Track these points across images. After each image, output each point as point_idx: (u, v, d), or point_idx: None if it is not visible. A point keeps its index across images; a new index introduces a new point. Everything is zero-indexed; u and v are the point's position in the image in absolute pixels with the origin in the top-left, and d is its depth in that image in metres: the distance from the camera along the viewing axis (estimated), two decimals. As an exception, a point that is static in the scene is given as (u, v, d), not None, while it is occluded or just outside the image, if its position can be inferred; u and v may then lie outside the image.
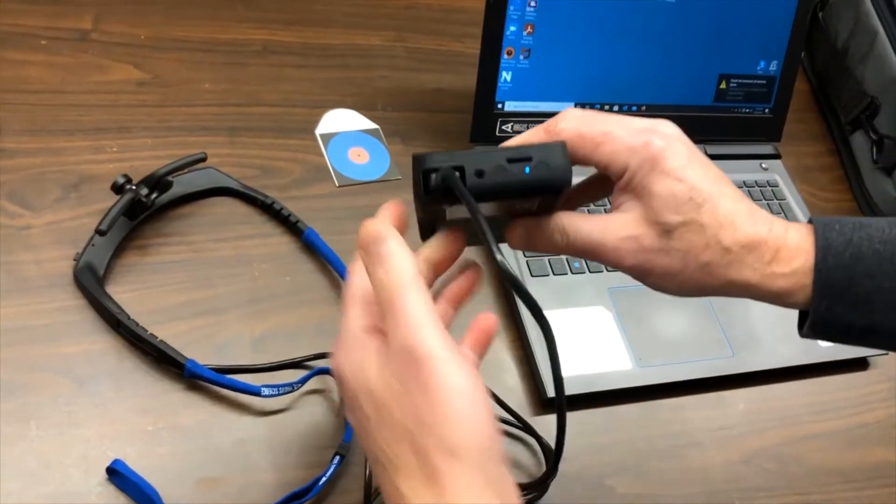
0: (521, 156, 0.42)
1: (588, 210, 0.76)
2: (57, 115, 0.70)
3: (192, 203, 0.69)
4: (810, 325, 0.44)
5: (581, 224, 0.45)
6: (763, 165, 0.87)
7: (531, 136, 0.45)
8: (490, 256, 0.40)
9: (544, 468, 0.62)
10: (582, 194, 0.49)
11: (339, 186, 0.74)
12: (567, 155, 0.43)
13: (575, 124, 0.44)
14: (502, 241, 0.47)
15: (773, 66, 0.83)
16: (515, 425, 0.63)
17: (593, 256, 0.45)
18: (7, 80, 0.71)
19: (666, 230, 0.43)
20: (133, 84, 0.75)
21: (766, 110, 0.85)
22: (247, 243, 0.68)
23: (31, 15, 0.76)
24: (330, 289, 0.67)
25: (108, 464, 0.54)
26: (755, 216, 0.44)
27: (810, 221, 0.45)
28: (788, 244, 0.43)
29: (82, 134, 0.70)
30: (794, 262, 0.43)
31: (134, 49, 0.77)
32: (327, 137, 0.77)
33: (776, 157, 0.88)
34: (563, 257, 0.73)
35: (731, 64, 0.82)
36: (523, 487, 0.59)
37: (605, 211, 0.48)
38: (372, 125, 0.79)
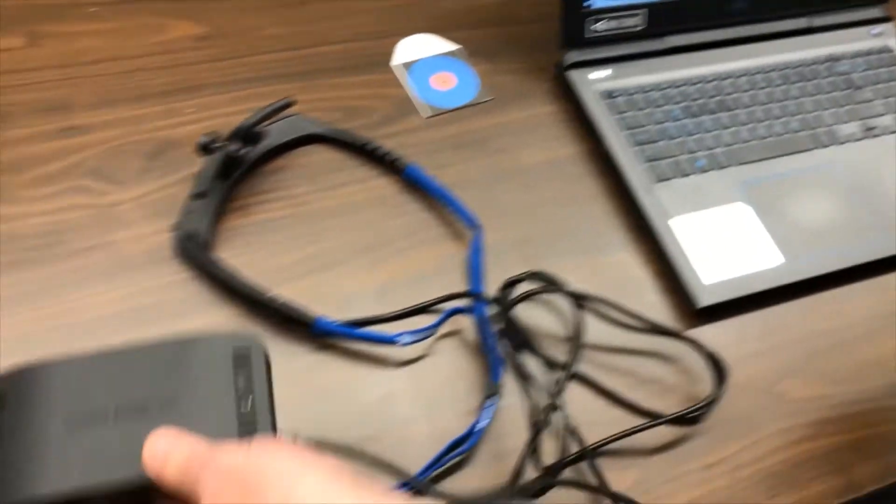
0: None
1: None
2: (121, 83, 0.65)
3: (282, 156, 0.63)
4: None
5: None
6: (873, 32, 0.79)
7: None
8: None
9: (705, 380, 0.56)
10: None
11: (429, 117, 0.68)
12: None
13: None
14: None
15: (875, -82, 0.75)
16: (673, 334, 0.57)
17: None
18: (61, 54, 0.66)
19: None
20: (193, 40, 0.69)
21: (871, -31, 0.77)
22: (348, 190, 0.62)
23: (71, -17, 0.70)
24: (444, 224, 0.62)
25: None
26: None
27: None
28: None
29: (152, 99, 0.65)
30: None
31: (187, 3, 0.71)
32: (406, 67, 0.71)
33: (886, 19, 0.80)
34: (684, 156, 0.67)
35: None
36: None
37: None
38: (453, 46, 0.73)
